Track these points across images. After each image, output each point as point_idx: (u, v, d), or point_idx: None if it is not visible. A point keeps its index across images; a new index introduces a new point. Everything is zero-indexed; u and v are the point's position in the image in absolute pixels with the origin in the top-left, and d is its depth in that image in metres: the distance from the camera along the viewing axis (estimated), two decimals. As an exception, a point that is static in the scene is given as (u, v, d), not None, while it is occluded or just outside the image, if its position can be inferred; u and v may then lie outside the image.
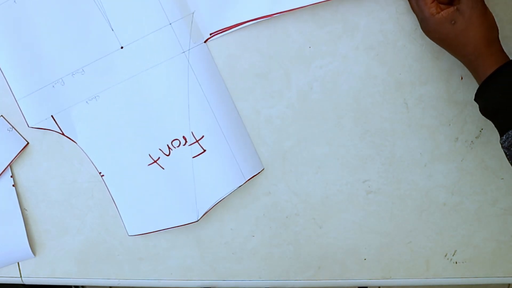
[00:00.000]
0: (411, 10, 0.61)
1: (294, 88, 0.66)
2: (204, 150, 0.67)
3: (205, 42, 0.63)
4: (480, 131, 0.68)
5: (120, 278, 0.79)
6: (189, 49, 0.63)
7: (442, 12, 0.56)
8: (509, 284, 1.13)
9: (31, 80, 0.64)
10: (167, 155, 0.68)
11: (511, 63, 0.54)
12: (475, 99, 0.58)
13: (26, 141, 0.69)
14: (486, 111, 0.57)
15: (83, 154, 0.69)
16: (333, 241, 0.75)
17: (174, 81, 0.64)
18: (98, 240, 0.76)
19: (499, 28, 0.56)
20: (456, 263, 0.77)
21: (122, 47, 0.63)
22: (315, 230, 0.74)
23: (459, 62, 0.64)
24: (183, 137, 0.67)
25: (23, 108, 0.65)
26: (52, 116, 0.66)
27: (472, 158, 0.69)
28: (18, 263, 0.77)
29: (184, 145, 0.67)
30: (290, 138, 0.69)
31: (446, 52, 0.63)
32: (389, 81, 0.65)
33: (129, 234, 0.73)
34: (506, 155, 0.54)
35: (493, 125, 0.68)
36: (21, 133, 0.69)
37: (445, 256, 0.76)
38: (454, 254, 0.76)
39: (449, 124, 0.67)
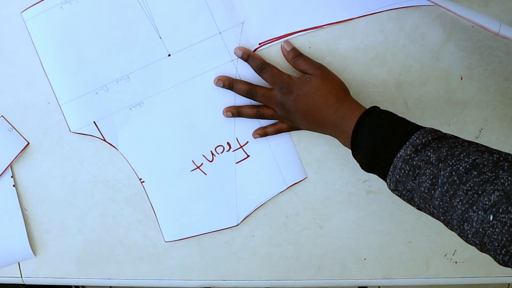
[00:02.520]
0: (411, 10, 0.61)
1: (294, 88, 0.66)
2: (248, 156, 0.68)
3: (254, 51, 0.63)
4: (480, 131, 0.68)
5: (120, 278, 0.79)
6: (238, 58, 0.63)
7: (295, 77, 0.61)
8: (509, 284, 1.13)
9: (75, 85, 0.64)
10: (210, 161, 0.69)
11: (367, 114, 0.55)
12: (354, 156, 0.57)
13: (27, 141, 0.69)
14: (363, 166, 0.55)
15: (83, 154, 0.69)
16: (333, 241, 0.75)
17: (221, 88, 0.64)
18: (98, 240, 0.76)
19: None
20: (456, 262, 0.77)
21: (169, 55, 0.63)
22: (315, 230, 0.74)
23: (459, 62, 0.65)
24: (228, 143, 0.68)
25: (66, 113, 0.66)
26: (94, 122, 0.66)
27: (472, 158, 0.69)
28: (18, 263, 0.78)
29: (228, 151, 0.68)
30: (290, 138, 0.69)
31: (446, 52, 0.63)
32: (389, 81, 0.65)
33: (166, 240, 0.74)
34: (399, 197, 0.53)
35: (492, 126, 0.68)
36: (21, 133, 0.69)
37: (445, 255, 0.76)
38: (454, 254, 0.76)
39: (449, 124, 0.67)
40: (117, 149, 0.68)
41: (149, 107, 0.66)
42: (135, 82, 0.64)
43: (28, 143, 0.69)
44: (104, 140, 0.67)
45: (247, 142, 0.68)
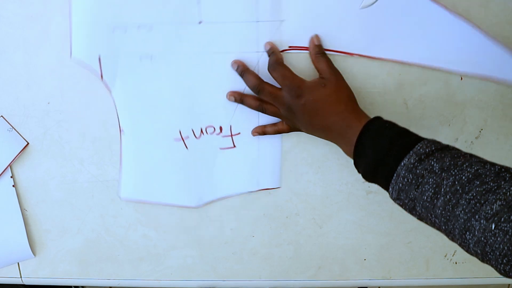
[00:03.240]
0: (411, 10, 0.61)
1: (294, 88, 0.66)
2: (234, 146, 0.68)
3: (281, 51, 0.63)
4: (480, 131, 0.68)
5: (120, 278, 0.79)
6: (263, 51, 0.62)
7: (310, 80, 0.61)
8: (508, 285, 1.13)
9: (95, 12, 0.61)
10: (197, 138, 0.68)
11: (370, 123, 0.56)
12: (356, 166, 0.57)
13: (26, 141, 0.69)
14: (366, 175, 0.56)
15: (83, 154, 0.69)
16: (333, 241, 0.75)
17: (234, 73, 0.63)
18: (98, 240, 0.76)
19: (499, 28, 0.57)
20: (456, 263, 0.77)
21: (200, 22, 0.61)
22: (315, 230, 0.74)
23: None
24: (220, 127, 0.67)
25: (74, 36, 0.62)
26: (99, 56, 0.63)
27: (472, 158, 0.69)
28: (18, 263, 0.78)
29: (217, 134, 0.67)
30: (289, 138, 0.69)
31: (446, 52, 0.63)
32: (389, 81, 0.65)
33: (121, 196, 0.72)
34: (401, 206, 0.53)
35: (492, 126, 0.68)
36: (21, 134, 0.69)
37: (445, 256, 0.76)
38: (454, 254, 0.76)
39: (449, 124, 0.67)
40: (110, 92, 0.66)
41: (158, 64, 0.64)
42: (155, 34, 0.62)
43: (28, 143, 0.69)
44: (101, 77, 0.65)
45: (239, 133, 0.67)
